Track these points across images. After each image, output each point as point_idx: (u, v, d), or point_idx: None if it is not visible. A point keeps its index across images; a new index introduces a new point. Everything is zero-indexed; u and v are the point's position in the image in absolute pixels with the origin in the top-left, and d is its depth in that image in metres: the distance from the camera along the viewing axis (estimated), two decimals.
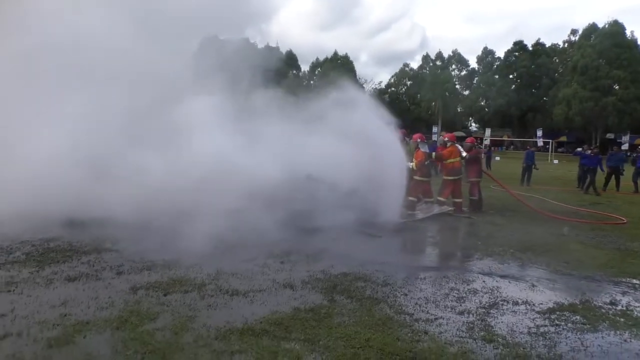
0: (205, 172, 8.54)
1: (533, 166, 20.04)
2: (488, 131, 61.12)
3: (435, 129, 63.16)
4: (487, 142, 57.39)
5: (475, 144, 11.98)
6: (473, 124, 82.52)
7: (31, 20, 9.31)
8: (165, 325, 4.30)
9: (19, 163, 8.22)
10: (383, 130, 9.50)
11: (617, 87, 55.23)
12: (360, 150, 9.01)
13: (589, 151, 19.52)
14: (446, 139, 11.14)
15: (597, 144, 51.99)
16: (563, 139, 65.40)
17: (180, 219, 7.83)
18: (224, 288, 5.36)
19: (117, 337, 4.00)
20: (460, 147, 11.18)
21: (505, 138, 71.31)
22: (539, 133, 54.28)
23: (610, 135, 58.18)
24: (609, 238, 9.12)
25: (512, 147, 69.60)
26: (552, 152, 51.84)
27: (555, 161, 46.27)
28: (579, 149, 21.58)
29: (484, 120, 73.97)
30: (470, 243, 8.49)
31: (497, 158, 49.69)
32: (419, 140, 10.77)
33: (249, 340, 4.05)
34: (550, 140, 54.15)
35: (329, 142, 9.14)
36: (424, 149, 10.60)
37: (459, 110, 76.07)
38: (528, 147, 26.94)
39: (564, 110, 56.75)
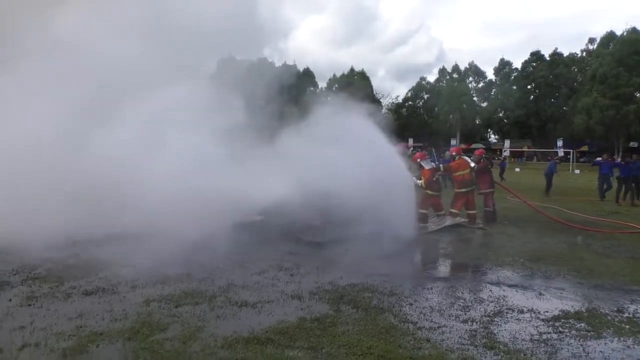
0: (219, 191, 8.81)
1: (553, 175, 19.84)
2: (507, 142, 60.61)
3: (453, 142, 62.96)
4: (506, 153, 56.97)
5: (484, 155, 11.97)
6: (492, 136, 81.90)
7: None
8: (174, 335, 4.47)
9: None
10: (385, 142, 9.66)
11: (638, 95, 54.40)
12: (368, 164, 9.11)
13: (620, 159, 19.22)
14: (453, 153, 11.20)
15: (621, 153, 51.14)
16: (584, 148, 64.39)
17: (195, 233, 8.07)
18: (233, 300, 5.52)
19: (129, 347, 4.19)
20: (468, 159, 11.23)
21: (525, 149, 70.52)
22: (560, 143, 53.50)
23: (633, 144, 57.05)
24: (624, 247, 9.03)
25: (535, 158, 68.39)
26: (573, 162, 51.04)
27: (577, 171, 45.56)
28: (599, 159, 21.10)
29: (503, 132, 73.45)
30: (482, 254, 8.51)
31: (517, 169, 49.24)
32: (419, 160, 10.84)
33: (254, 348, 4.20)
34: (571, 150, 53.37)
35: (337, 156, 9.26)
36: (428, 165, 10.66)
37: (477, 122, 75.63)
38: (549, 158, 26.74)
39: (585, 119, 55.97)
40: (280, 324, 4.79)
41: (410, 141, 59.37)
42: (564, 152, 54.62)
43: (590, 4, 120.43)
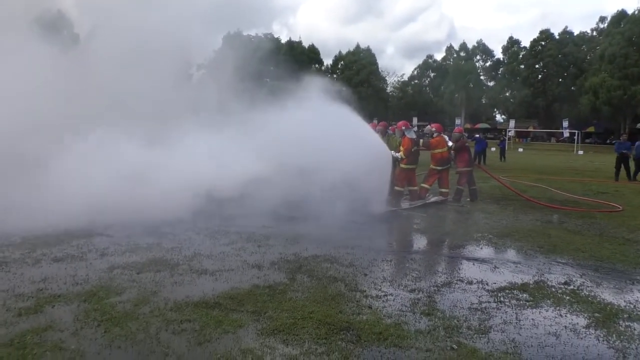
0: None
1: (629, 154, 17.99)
2: (512, 122, 60.25)
3: (458, 121, 62.60)
4: (511, 133, 56.60)
5: (464, 134, 12.03)
6: (498, 115, 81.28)
7: None
8: (129, 298, 4.70)
9: None
10: (361, 122, 9.79)
11: None
12: (348, 142, 9.23)
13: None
14: (433, 129, 11.24)
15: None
16: (591, 129, 63.79)
17: (174, 203, 8.34)
18: (195, 268, 5.74)
19: (82, 308, 4.42)
20: (446, 137, 11.29)
21: (531, 129, 69.96)
22: (565, 124, 53.16)
23: None
24: (596, 225, 9.14)
25: (552, 139, 66.64)
26: (578, 142, 50.70)
27: (580, 152, 45.33)
28: None
29: (509, 112, 72.84)
30: (453, 229, 8.68)
31: (521, 150, 49.04)
32: (404, 127, 10.88)
33: (200, 311, 4.41)
34: (577, 131, 52.96)
35: (318, 134, 9.38)
36: (411, 135, 10.68)
37: (483, 102, 74.98)
38: (556, 139, 25.46)
39: (591, 99, 55.43)
40: (232, 290, 5.00)
41: (415, 120, 59.16)
42: (570, 132, 54.28)
43: None
